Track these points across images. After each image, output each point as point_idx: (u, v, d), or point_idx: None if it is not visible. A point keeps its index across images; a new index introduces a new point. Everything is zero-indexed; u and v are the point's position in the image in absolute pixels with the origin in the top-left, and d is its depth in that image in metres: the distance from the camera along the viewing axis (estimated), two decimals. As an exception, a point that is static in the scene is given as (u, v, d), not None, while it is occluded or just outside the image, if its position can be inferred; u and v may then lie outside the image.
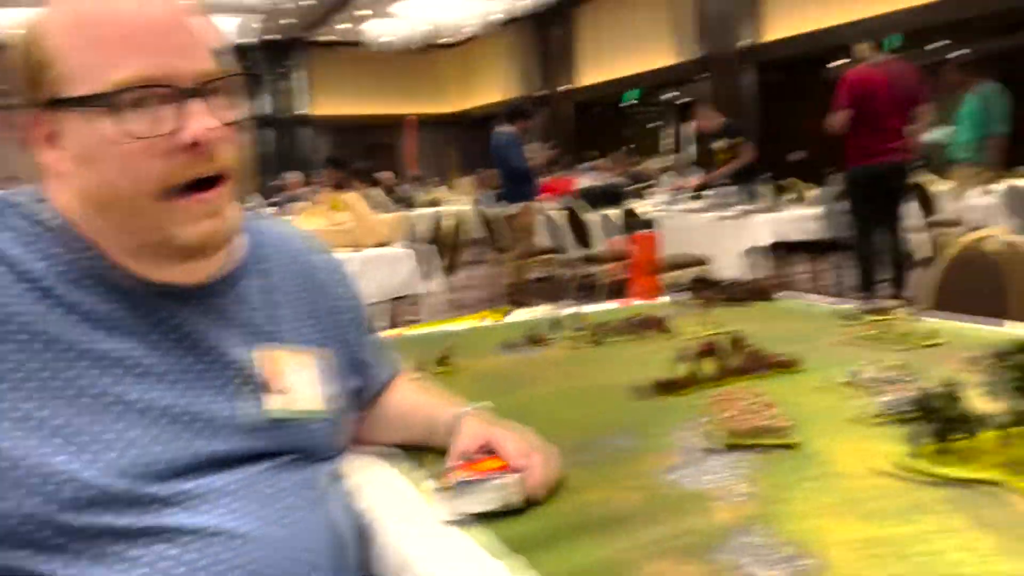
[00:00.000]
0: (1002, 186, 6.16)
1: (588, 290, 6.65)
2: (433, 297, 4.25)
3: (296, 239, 0.97)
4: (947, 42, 12.64)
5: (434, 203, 10.91)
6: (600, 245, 6.29)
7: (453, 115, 22.29)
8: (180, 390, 0.77)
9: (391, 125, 21.16)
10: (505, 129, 6.17)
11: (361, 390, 0.99)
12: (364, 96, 21.01)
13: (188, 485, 0.74)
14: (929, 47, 12.75)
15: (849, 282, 5.63)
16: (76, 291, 0.75)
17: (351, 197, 4.23)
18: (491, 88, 20.71)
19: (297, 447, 0.83)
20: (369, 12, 16.86)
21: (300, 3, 15.16)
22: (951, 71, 6.21)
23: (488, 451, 0.87)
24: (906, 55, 6.40)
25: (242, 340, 0.83)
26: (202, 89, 0.75)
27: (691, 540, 0.73)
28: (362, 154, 17.30)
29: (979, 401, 0.90)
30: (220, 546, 0.72)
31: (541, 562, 0.71)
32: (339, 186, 5.88)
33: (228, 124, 0.77)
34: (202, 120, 0.74)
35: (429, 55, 21.39)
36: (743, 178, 7.14)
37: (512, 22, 18.08)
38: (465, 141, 21.83)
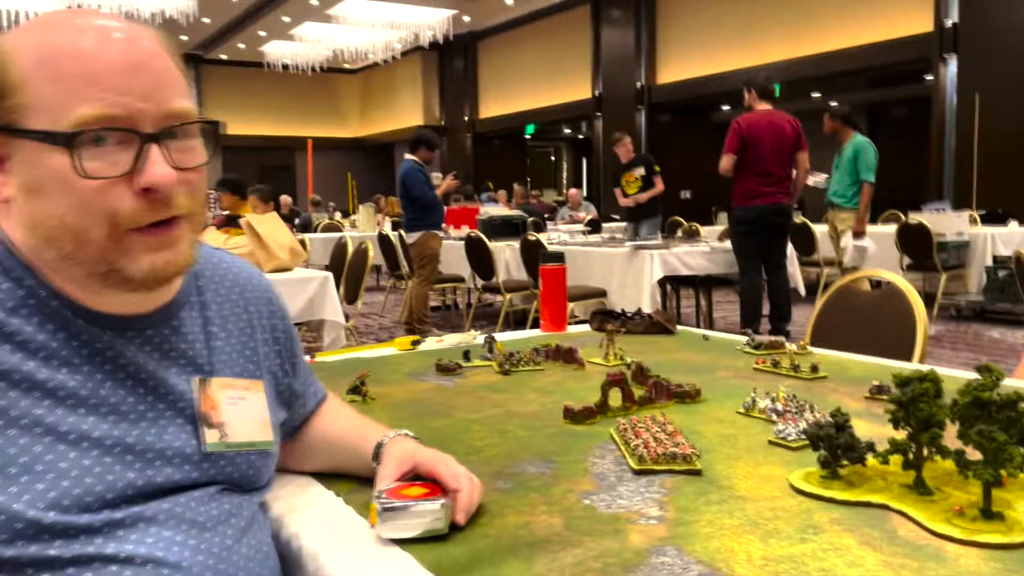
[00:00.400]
0: (875, 229, 6.63)
1: (489, 319, 6.69)
2: (334, 324, 4.19)
3: (232, 268, 0.96)
4: (819, 94, 13.54)
5: (333, 228, 10.78)
6: (501, 275, 6.36)
7: (353, 140, 22.12)
8: (113, 421, 0.76)
9: (288, 147, 20.80)
10: (410, 157, 6.20)
11: (290, 420, 1.00)
12: (261, 117, 20.58)
13: (119, 515, 0.73)
14: (812, 97, 13.62)
15: (735, 316, 5.90)
16: (12, 319, 0.73)
17: (264, 219, 4.15)
18: (392, 115, 20.70)
19: (230, 478, 0.83)
20: (264, 34, 16.59)
21: (200, 19, 14.75)
22: (827, 121, 6.66)
23: (414, 476, 0.89)
24: (788, 105, 6.83)
25: (179, 371, 0.82)
26: (163, 134, 0.74)
27: (609, 561, 0.77)
28: (258, 176, 16.92)
29: (863, 430, 0.99)
30: (151, 575, 0.72)
31: (467, 585, 0.74)
32: (233, 208, 5.73)
33: (186, 169, 0.76)
34: (160, 166, 0.73)
35: (330, 79, 21.21)
36: (651, 210, 7.47)
37: (415, 51, 18.16)
38: (364, 167, 21.69)
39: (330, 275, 4.28)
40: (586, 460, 1.06)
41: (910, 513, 0.85)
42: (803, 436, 1.08)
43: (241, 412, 0.85)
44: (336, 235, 8.69)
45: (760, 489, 0.94)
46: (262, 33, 16.84)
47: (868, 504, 0.88)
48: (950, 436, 0.87)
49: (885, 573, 0.73)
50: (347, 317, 4.65)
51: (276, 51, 17.87)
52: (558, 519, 0.87)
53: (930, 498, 0.88)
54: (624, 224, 7.92)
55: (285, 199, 11.84)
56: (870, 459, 0.95)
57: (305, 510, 0.94)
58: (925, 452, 0.90)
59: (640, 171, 7.45)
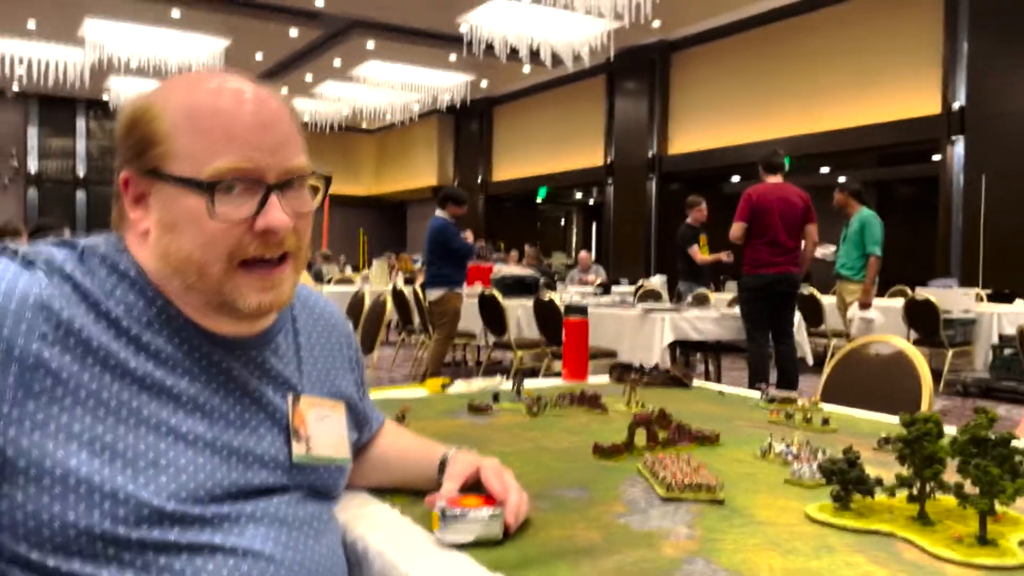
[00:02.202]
0: (883, 303, 6.75)
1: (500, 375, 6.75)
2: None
3: (319, 303, 1.09)
4: (828, 170, 13.82)
5: (345, 281, 10.94)
6: (513, 332, 6.47)
7: (366, 198, 22.48)
8: (222, 426, 0.87)
9: (304, 202, 21.07)
10: (441, 215, 6.36)
11: (359, 441, 1.11)
12: (278, 171, 20.91)
13: (225, 509, 0.84)
14: (821, 172, 13.88)
15: (743, 382, 5.97)
16: (146, 332, 0.85)
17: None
18: (406, 175, 21.09)
19: (313, 486, 0.95)
20: (286, 91, 17.03)
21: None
22: (837, 194, 6.85)
23: (472, 489, 0.99)
24: (797, 178, 7.03)
25: (276, 388, 0.94)
26: (283, 184, 0.86)
27: (646, 567, 0.87)
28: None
29: (871, 470, 1.09)
30: (248, 565, 0.83)
31: (521, 581, 0.84)
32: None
33: (299, 214, 0.89)
34: (278, 212, 0.85)
35: (347, 137, 21.69)
36: (702, 274, 8.07)
37: (432, 113, 18.61)
38: (377, 223, 22.02)
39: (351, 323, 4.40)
40: (617, 488, 1.16)
41: (914, 540, 0.94)
42: (817, 475, 1.18)
43: (325, 429, 0.97)
44: (348, 288, 8.84)
45: (779, 517, 1.04)
46: (284, 90, 17.33)
47: (876, 532, 0.98)
48: (950, 474, 0.97)
49: (891, 586, 0.83)
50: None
51: (297, 108, 18.32)
52: (597, 534, 0.97)
53: (932, 528, 0.97)
54: (628, 288, 8.45)
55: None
56: (878, 495, 1.05)
57: (368, 518, 1.04)
58: (928, 487, 1.00)
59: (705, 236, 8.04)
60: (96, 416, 0.79)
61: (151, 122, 0.85)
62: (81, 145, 18.91)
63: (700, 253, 8.02)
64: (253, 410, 0.90)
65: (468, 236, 6.63)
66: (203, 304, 0.88)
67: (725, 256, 7.93)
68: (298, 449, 0.92)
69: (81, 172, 18.90)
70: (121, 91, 15.77)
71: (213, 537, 0.82)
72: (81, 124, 18.85)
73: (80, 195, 18.88)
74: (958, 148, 9.75)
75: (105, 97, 16.86)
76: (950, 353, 7.16)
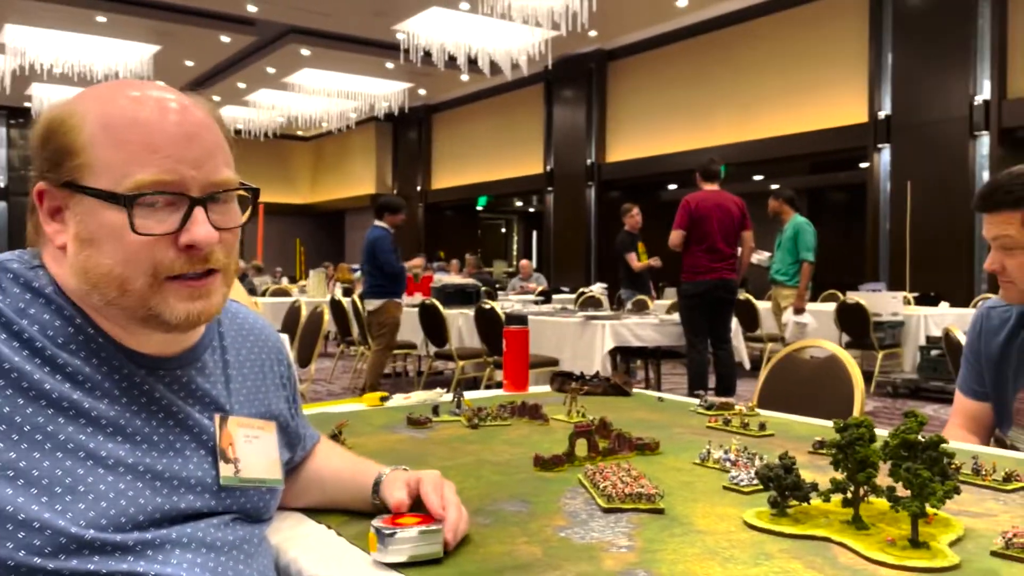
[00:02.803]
0: (816, 307, 6.91)
1: (439, 386, 6.70)
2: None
3: (248, 319, 1.05)
4: (762, 177, 14.15)
5: (282, 292, 10.74)
6: (454, 342, 6.43)
7: (302, 207, 22.17)
8: (145, 449, 0.83)
9: (238, 211, 20.66)
10: (379, 224, 6.30)
11: (291, 461, 1.07)
12: (211, 180, 20.46)
13: (149, 536, 0.80)
14: (754, 179, 14.20)
15: (683, 387, 6.06)
16: (63, 353, 0.80)
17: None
18: (344, 183, 20.86)
19: (243, 509, 0.90)
20: (219, 99, 16.70)
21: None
22: (771, 201, 7.01)
23: (410, 508, 0.97)
24: (732, 186, 7.17)
25: (202, 408, 0.90)
26: (207, 198, 0.83)
27: (586, 582, 0.86)
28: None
29: (807, 477, 1.10)
30: None
31: (459, 602, 0.81)
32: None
33: (224, 230, 0.85)
34: (203, 227, 0.82)
35: (282, 145, 21.35)
36: (642, 280, 8.11)
37: (369, 121, 18.46)
38: (314, 233, 21.72)
39: (286, 336, 4.32)
40: (558, 500, 1.15)
41: (849, 544, 0.95)
42: (755, 481, 1.19)
43: (255, 450, 0.93)
44: (285, 299, 8.68)
45: (717, 525, 1.04)
46: (216, 98, 16.97)
47: (812, 537, 0.99)
48: (883, 478, 0.98)
49: (828, 592, 0.83)
50: (300, 381, 4.66)
51: (229, 116, 17.99)
52: (537, 548, 0.96)
53: (866, 532, 0.99)
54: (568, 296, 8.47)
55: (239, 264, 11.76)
56: (814, 500, 1.06)
57: (301, 540, 1.00)
58: (861, 491, 1.01)
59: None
60: (9, 441, 0.75)
61: (68, 132, 0.81)
62: (1, 154, 18.21)
63: (637, 260, 8.11)
64: (178, 432, 0.86)
65: (417, 262, 6.63)
66: (126, 319, 0.84)
67: (654, 261, 8.02)
68: (226, 471, 0.89)
69: (2, 183, 18.20)
70: (44, 98, 15.26)
71: (136, 565, 0.77)
72: (1, 132, 18.15)
73: (0, 206, 18.17)
74: (884, 155, 10.08)
75: (27, 104, 16.29)
76: (880, 355, 7.38)
